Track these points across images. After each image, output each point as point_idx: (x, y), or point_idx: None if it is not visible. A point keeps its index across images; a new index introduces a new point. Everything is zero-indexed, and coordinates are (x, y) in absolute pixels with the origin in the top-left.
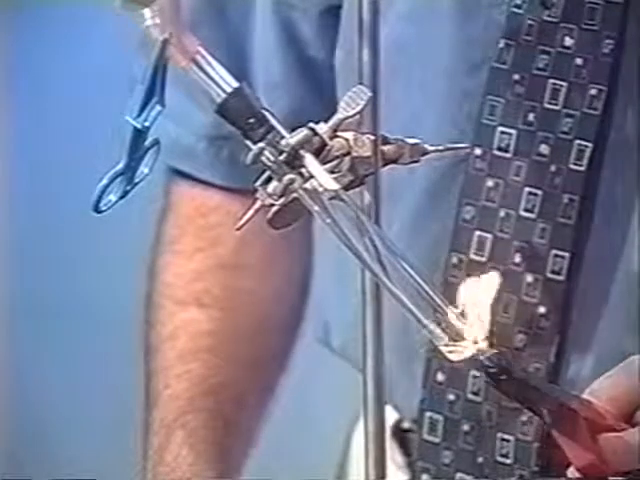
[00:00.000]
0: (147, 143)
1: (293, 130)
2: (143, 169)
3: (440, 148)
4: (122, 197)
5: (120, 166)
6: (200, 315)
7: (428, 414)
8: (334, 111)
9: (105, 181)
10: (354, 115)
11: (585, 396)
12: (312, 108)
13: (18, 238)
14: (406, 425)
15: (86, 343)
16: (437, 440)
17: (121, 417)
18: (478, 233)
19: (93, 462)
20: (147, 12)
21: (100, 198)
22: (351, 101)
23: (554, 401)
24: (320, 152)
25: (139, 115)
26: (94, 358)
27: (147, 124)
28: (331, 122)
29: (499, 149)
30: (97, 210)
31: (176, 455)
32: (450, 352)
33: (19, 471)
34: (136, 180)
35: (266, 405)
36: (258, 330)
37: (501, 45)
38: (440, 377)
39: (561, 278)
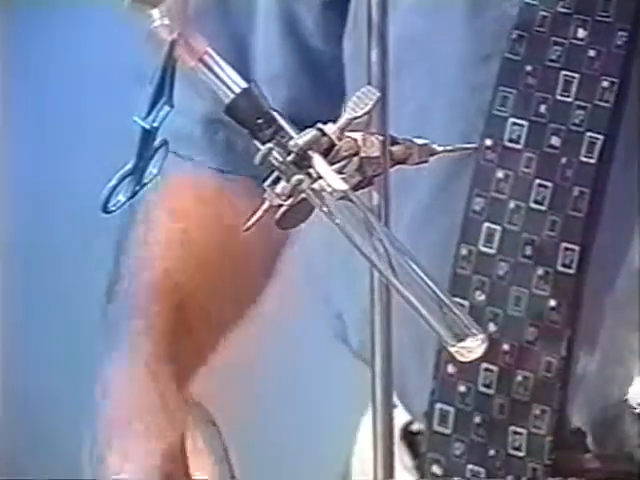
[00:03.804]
0: (156, 143)
1: (301, 130)
2: (152, 169)
3: (449, 148)
4: (131, 197)
5: (129, 166)
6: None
7: (439, 406)
8: (336, 103)
9: (114, 181)
10: (362, 115)
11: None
12: (313, 100)
13: (20, 238)
14: (415, 427)
15: (88, 343)
16: (448, 432)
17: None
18: (487, 225)
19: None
20: (155, 12)
21: (109, 198)
22: (359, 101)
23: None
24: (328, 152)
25: (148, 115)
26: (96, 358)
27: (156, 124)
28: (339, 122)
29: (510, 140)
30: (106, 210)
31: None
32: (457, 352)
33: (19, 471)
34: (145, 180)
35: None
36: (234, 260)
37: (514, 36)
38: (451, 369)
39: (571, 271)
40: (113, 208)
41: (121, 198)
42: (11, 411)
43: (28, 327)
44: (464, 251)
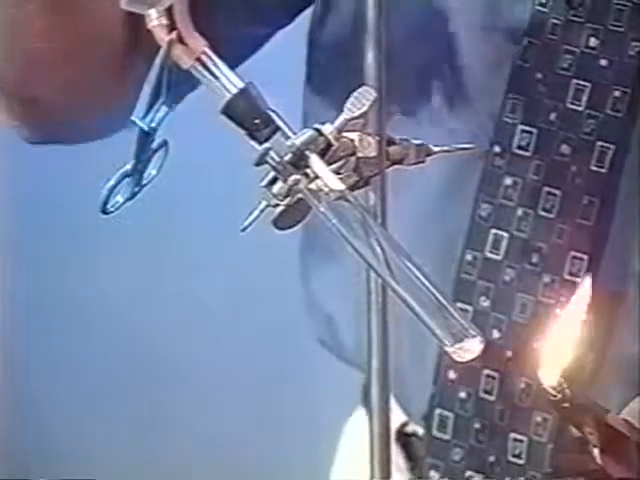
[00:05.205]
0: (154, 145)
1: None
2: (151, 171)
3: (445, 148)
4: (130, 198)
5: (128, 167)
6: None
7: (438, 411)
8: None
9: (112, 182)
10: (359, 116)
11: (623, 416)
12: None
13: (21, 238)
14: (410, 429)
15: (89, 342)
16: (447, 437)
17: (123, 416)
18: (494, 231)
19: (94, 462)
20: (153, 12)
21: (108, 199)
22: (356, 102)
23: (605, 423)
24: (325, 153)
25: (145, 116)
26: (95, 357)
27: (154, 125)
28: (337, 123)
29: (519, 147)
30: (105, 211)
31: None
32: (454, 353)
33: (19, 471)
34: (144, 182)
35: None
36: None
37: (524, 43)
38: (452, 375)
39: (579, 280)
40: (112, 209)
41: (119, 199)
42: (12, 412)
43: (29, 326)
44: (469, 257)
